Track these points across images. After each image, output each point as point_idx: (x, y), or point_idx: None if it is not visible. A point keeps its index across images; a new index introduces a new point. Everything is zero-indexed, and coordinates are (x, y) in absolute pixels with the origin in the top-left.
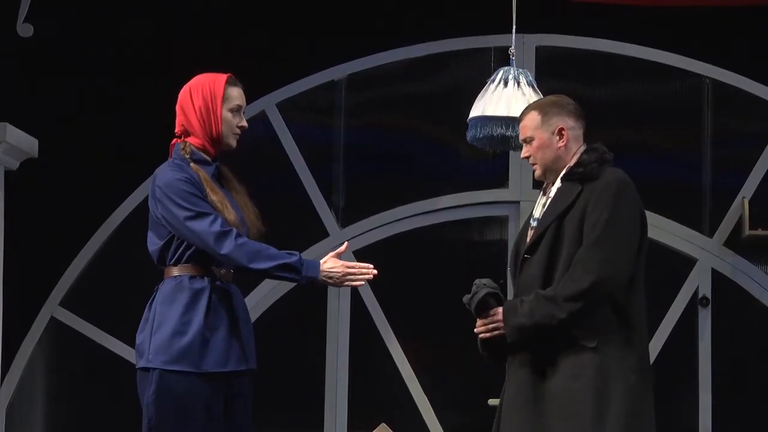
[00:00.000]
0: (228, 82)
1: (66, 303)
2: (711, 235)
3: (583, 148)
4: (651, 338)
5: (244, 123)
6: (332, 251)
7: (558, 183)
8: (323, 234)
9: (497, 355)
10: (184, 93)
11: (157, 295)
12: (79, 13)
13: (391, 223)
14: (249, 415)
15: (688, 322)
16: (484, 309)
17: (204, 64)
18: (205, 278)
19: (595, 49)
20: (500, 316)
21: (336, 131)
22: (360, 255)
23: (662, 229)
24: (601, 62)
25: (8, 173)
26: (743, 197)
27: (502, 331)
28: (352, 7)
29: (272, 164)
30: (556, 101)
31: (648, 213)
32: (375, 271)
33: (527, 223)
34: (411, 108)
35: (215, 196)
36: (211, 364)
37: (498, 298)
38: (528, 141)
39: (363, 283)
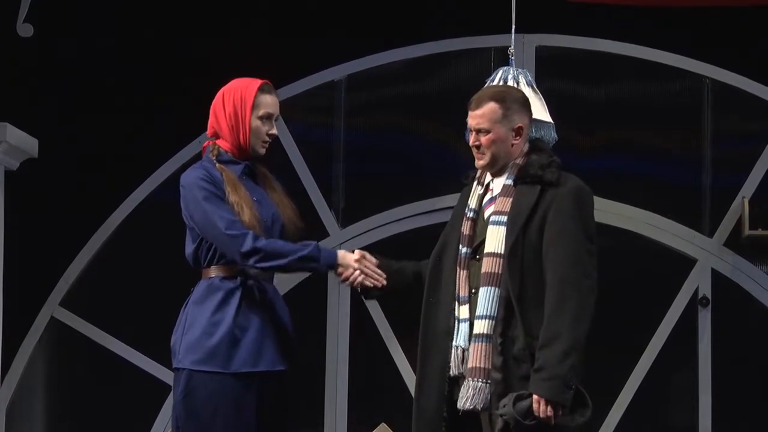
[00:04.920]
0: (260, 89)
1: (66, 303)
2: (711, 235)
3: (527, 147)
4: (651, 338)
5: (274, 131)
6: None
7: (505, 180)
8: (323, 234)
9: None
10: (217, 97)
11: (190, 296)
12: (79, 13)
13: (391, 223)
14: (285, 415)
15: (688, 322)
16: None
17: (203, 64)
18: (237, 278)
19: (595, 49)
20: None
21: (336, 131)
22: None
23: (662, 229)
24: (600, 62)
25: (8, 173)
26: (743, 197)
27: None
28: (352, 7)
29: (272, 164)
30: (518, 97)
31: (648, 213)
32: (385, 282)
33: (461, 213)
34: (411, 108)
35: (235, 197)
36: (240, 364)
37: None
38: (482, 132)
39: (370, 284)
